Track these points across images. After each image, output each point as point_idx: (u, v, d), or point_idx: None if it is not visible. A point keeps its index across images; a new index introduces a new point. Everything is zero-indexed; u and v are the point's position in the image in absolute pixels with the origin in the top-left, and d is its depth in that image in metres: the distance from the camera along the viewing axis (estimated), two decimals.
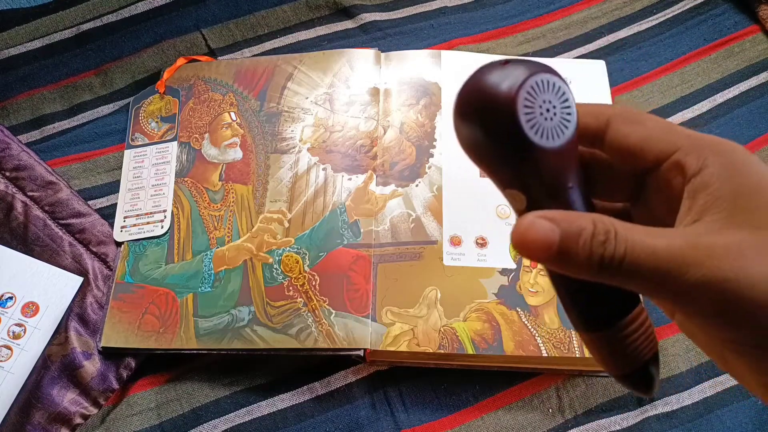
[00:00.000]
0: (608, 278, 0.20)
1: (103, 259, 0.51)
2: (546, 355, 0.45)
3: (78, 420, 0.46)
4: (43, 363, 0.47)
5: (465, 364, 0.48)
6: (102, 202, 0.54)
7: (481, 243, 0.49)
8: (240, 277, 0.49)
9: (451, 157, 0.53)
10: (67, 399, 0.46)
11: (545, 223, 0.19)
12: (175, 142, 0.55)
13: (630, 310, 0.22)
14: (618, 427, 0.46)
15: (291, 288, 0.48)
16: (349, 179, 0.52)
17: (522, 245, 0.19)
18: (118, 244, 0.52)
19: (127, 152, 0.55)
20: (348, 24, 0.62)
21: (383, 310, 0.47)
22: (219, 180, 0.53)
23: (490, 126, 0.20)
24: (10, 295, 0.50)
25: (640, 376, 0.23)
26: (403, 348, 0.46)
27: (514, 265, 0.49)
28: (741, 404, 0.47)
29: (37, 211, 0.52)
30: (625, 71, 0.59)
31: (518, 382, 0.48)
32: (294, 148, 0.54)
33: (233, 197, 0.52)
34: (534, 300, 0.47)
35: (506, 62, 0.21)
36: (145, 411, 0.47)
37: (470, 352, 0.45)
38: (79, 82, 0.60)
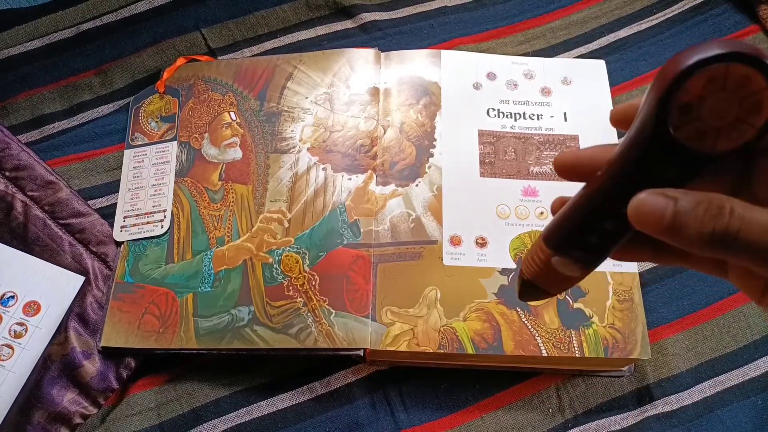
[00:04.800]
0: (718, 251, 0.21)
1: (103, 258, 0.51)
2: (546, 354, 0.45)
3: (78, 420, 0.46)
4: (44, 362, 0.47)
5: (465, 364, 0.48)
6: (102, 202, 0.54)
7: (481, 243, 0.49)
8: (240, 276, 0.49)
9: (451, 157, 0.53)
10: (67, 398, 0.46)
11: (659, 198, 0.21)
12: (175, 142, 0.55)
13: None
14: (618, 427, 0.46)
15: (291, 288, 0.48)
16: (349, 179, 0.52)
17: (635, 216, 0.22)
18: (118, 244, 0.52)
19: (126, 152, 0.55)
20: (348, 24, 0.62)
21: (383, 310, 0.47)
22: (219, 180, 0.53)
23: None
24: (11, 294, 0.50)
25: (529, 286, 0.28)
26: (403, 348, 0.46)
27: (513, 265, 0.49)
28: (741, 404, 0.47)
29: (36, 211, 0.52)
30: (625, 71, 0.59)
31: (518, 382, 0.48)
32: (294, 147, 0.54)
33: (233, 197, 0.52)
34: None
35: None
36: (145, 411, 0.47)
37: (470, 352, 0.45)
38: (79, 81, 0.60)
